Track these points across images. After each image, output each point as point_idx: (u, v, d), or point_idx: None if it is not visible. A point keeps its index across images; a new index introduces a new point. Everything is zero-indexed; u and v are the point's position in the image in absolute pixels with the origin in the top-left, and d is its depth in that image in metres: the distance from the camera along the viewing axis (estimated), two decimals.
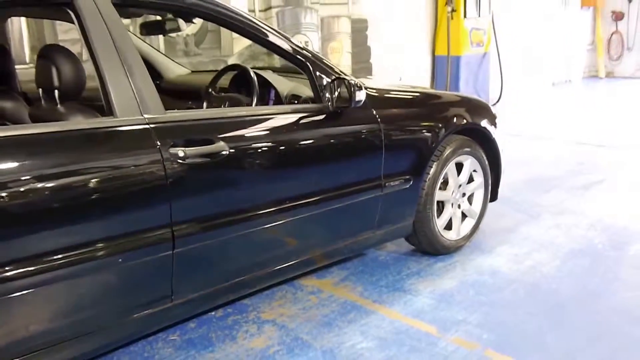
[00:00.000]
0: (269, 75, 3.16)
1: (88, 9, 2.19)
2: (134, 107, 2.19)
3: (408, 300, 3.08)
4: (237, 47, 6.03)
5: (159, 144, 2.20)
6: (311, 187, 2.76)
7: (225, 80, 3.37)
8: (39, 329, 2.05)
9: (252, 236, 2.58)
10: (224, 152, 2.36)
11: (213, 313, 2.97)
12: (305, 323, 2.88)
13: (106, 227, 2.11)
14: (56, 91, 2.25)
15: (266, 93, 3.15)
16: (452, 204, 3.54)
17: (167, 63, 4.15)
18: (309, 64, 2.78)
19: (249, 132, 2.53)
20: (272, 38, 2.73)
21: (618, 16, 12.79)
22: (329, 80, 2.79)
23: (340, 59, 6.96)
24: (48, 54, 2.28)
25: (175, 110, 2.36)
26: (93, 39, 2.17)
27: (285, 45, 2.77)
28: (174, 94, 3.61)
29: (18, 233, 1.92)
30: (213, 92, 3.27)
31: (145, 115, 2.21)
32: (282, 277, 2.93)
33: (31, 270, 1.93)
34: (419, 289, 3.21)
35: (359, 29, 7.15)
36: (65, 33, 4.80)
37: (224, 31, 5.18)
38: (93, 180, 2.05)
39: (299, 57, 2.79)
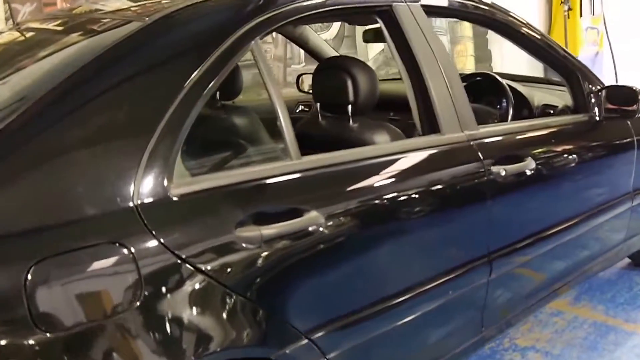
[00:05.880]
0: (517, 86, 2.97)
1: (405, 16, 2.01)
2: (455, 123, 2.03)
3: None
4: (372, 53, 5.89)
5: (483, 161, 2.04)
6: (586, 202, 2.60)
7: None
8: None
9: (550, 254, 2.42)
10: (532, 169, 2.19)
11: None
12: (568, 348, 2.71)
13: (440, 252, 1.99)
14: (349, 106, 2.04)
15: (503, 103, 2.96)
16: None
17: None
18: (578, 73, 2.61)
19: (550, 145, 2.37)
20: (544, 45, 2.56)
21: None
22: (597, 88, 2.61)
23: (466, 63, 6.77)
24: (341, 65, 2.07)
25: (485, 125, 2.20)
26: (415, 48, 1.99)
27: (556, 53, 2.59)
28: None
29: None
30: None
31: (465, 132, 2.05)
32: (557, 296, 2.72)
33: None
34: None
35: (480, 34, 6.95)
36: None
37: (359, 37, 5.00)
38: (427, 199, 1.90)
39: (568, 65, 2.61)
